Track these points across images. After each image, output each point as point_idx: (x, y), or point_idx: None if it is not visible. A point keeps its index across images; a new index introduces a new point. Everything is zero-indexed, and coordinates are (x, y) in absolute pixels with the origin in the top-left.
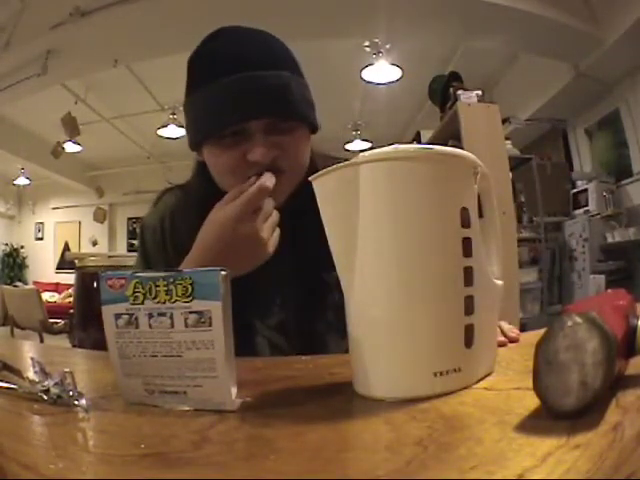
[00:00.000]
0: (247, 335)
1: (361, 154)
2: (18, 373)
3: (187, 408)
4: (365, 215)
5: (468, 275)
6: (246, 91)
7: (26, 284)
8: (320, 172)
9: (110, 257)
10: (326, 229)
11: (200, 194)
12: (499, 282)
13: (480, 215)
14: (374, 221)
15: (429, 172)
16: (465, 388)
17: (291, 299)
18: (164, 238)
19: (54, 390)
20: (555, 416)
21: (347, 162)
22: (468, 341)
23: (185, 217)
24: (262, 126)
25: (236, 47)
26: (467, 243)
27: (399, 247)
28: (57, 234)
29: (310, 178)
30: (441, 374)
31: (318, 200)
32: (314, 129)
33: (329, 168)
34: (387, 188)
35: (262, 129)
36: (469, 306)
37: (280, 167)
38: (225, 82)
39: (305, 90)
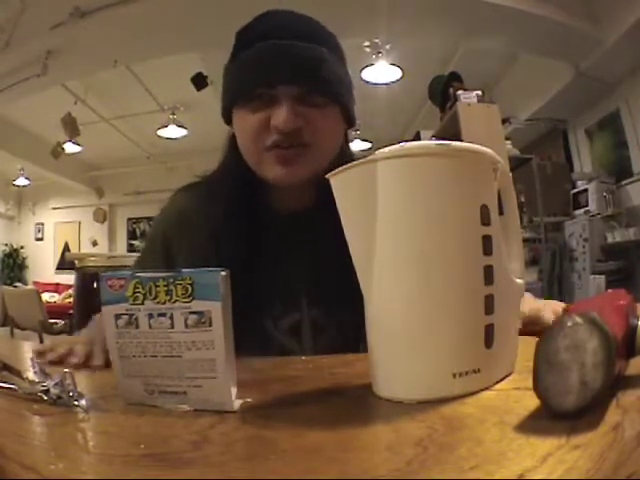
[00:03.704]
0: (257, 338)
1: (379, 150)
2: (18, 373)
3: (187, 408)
4: (383, 213)
5: (488, 274)
6: (278, 56)
7: (26, 284)
8: (338, 169)
9: (110, 257)
10: (344, 227)
11: (230, 176)
12: (520, 281)
13: (500, 212)
14: (392, 219)
15: (448, 168)
16: (485, 389)
17: (308, 300)
18: (169, 246)
19: (54, 390)
20: (555, 416)
21: (365, 159)
22: (488, 341)
23: (204, 218)
24: (290, 94)
25: (277, 20)
26: (487, 241)
27: (418, 245)
28: (57, 234)
29: (328, 175)
30: (460, 375)
31: (336, 197)
32: (349, 120)
33: (346, 165)
34: (405, 185)
35: (290, 97)
36: (489, 305)
37: (304, 140)
38: (259, 46)
39: (343, 74)
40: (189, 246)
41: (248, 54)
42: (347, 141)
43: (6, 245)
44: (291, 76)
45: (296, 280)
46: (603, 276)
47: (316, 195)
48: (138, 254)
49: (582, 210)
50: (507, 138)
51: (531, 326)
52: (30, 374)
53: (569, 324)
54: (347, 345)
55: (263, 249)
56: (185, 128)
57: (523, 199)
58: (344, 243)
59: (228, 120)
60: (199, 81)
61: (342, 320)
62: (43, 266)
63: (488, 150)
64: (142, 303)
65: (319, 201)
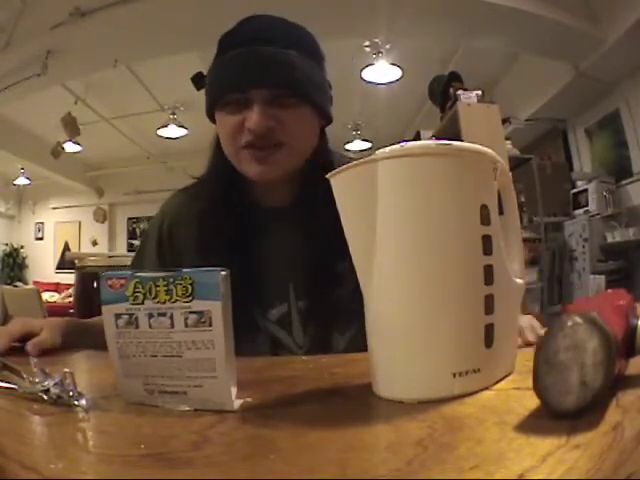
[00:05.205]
0: (248, 329)
1: (379, 150)
2: (18, 373)
3: (187, 408)
4: (383, 212)
5: (488, 273)
6: (249, 61)
7: (26, 284)
8: (338, 169)
9: (110, 257)
10: (345, 227)
11: (217, 174)
12: (520, 280)
13: (500, 212)
14: (392, 219)
15: (448, 168)
16: (485, 389)
17: (297, 292)
18: (161, 243)
19: (54, 390)
20: (555, 416)
21: (366, 159)
22: (488, 341)
23: (194, 216)
24: (262, 97)
25: (255, 26)
26: (487, 241)
27: (417, 245)
28: (57, 234)
29: (328, 175)
30: (460, 375)
31: (336, 197)
32: (326, 118)
33: (347, 165)
34: (405, 185)
35: (262, 100)
36: (489, 305)
37: (279, 140)
38: (235, 52)
39: (314, 74)
40: (179, 246)
41: (224, 60)
42: (324, 138)
43: (6, 245)
44: (260, 80)
45: (283, 273)
46: (603, 276)
47: (298, 191)
48: (134, 255)
49: (582, 210)
50: (507, 138)
51: None
52: (30, 374)
53: (569, 324)
54: (336, 337)
55: (250, 243)
56: (185, 128)
57: (523, 199)
58: (326, 239)
59: (213, 120)
60: (199, 81)
61: (324, 313)
62: (43, 266)
63: (488, 150)
64: (142, 303)
65: (300, 197)
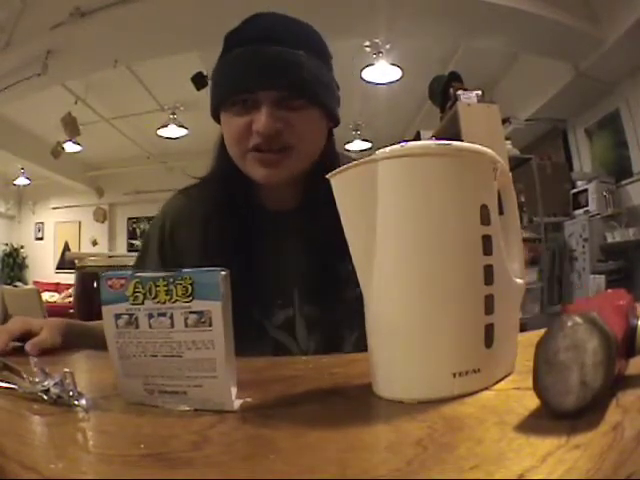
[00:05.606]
0: (249, 331)
1: (379, 150)
2: (18, 373)
3: (187, 408)
4: (384, 212)
5: (488, 274)
6: (255, 60)
7: (26, 284)
8: (338, 169)
9: (110, 257)
10: (344, 227)
11: (221, 176)
12: (520, 281)
13: (500, 212)
14: (392, 218)
15: (448, 168)
16: (485, 389)
17: (300, 296)
18: (163, 243)
19: (54, 390)
20: (555, 416)
21: (366, 159)
22: (488, 341)
23: (196, 217)
24: (270, 98)
25: (261, 24)
26: (487, 241)
27: (417, 245)
28: (57, 234)
29: (328, 175)
30: (460, 375)
31: (336, 198)
32: (333, 119)
33: (347, 165)
34: (405, 185)
35: (271, 101)
36: (489, 305)
37: (287, 143)
38: (239, 52)
39: (322, 75)
40: (181, 247)
41: (229, 58)
42: (331, 140)
43: (6, 245)
44: (268, 81)
45: (287, 277)
46: (603, 276)
47: (303, 194)
48: (136, 256)
49: (582, 210)
50: (507, 138)
51: None
52: (30, 374)
53: (569, 324)
54: (341, 340)
55: (254, 245)
56: (185, 128)
57: (523, 199)
58: (330, 243)
59: (217, 120)
60: (199, 81)
61: (329, 317)
62: (43, 266)
63: (488, 150)
64: (142, 303)
65: (305, 201)
